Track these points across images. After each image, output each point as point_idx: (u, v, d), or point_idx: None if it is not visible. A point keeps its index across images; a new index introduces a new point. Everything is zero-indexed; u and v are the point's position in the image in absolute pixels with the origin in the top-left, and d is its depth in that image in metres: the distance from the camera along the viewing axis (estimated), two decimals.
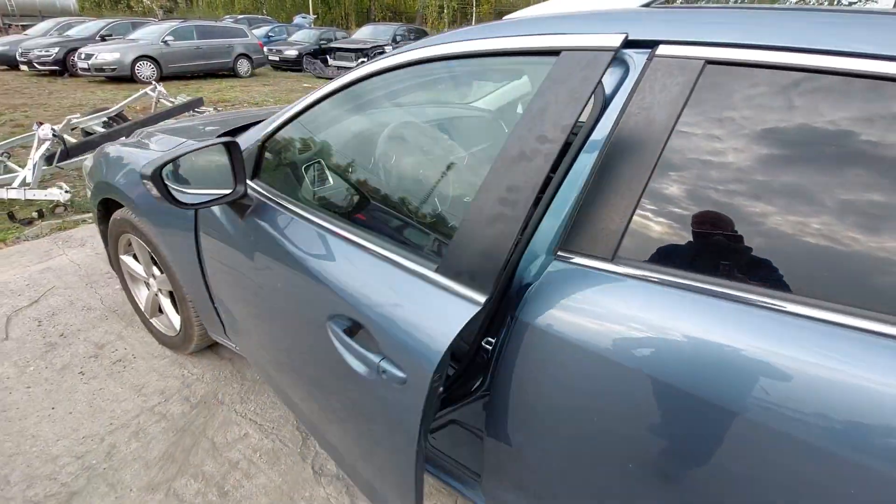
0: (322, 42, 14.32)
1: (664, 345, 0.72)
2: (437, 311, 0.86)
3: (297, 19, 18.81)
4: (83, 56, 9.74)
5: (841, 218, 0.65)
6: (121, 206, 1.96)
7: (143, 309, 2.19)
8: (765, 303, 0.68)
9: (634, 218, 0.77)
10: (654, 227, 0.77)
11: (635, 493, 0.81)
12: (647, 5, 0.93)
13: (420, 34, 15.19)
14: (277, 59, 13.60)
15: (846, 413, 0.60)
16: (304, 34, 14.87)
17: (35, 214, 3.68)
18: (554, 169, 0.82)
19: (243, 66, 11.98)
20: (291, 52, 13.63)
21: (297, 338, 1.25)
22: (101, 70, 9.70)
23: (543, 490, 0.96)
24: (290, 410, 1.57)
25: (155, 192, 1.15)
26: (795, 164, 0.69)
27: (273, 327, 1.37)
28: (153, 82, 6.07)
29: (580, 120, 0.80)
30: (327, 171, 1.41)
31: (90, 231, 3.31)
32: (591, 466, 0.85)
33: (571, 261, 0.83)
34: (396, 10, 28.66)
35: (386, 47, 13.12)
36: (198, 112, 5.58)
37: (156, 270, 2.00)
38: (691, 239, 0.75)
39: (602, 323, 0.77)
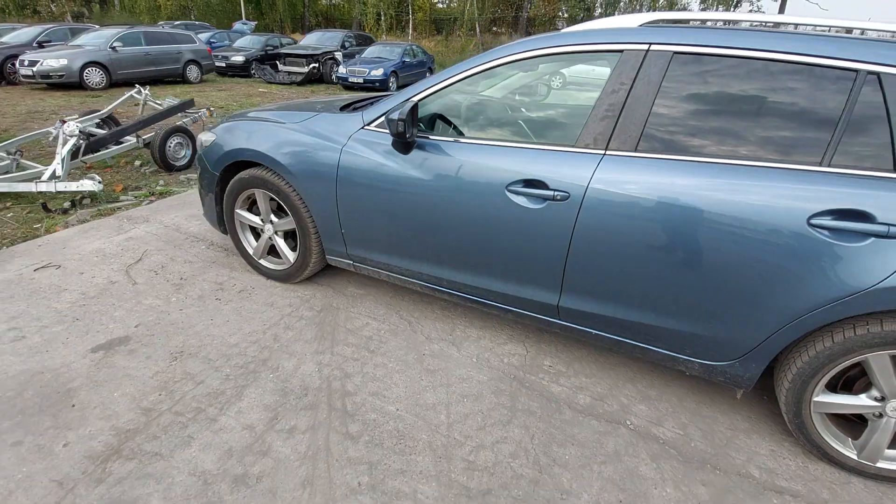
0: (268, 48, 14.51)
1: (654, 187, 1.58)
2: (574, 162, 1.72)
3: (237, 25, 18.68)
4: (26, 63, 9.42)
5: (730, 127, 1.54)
6: (242, 169, 2.57)
7: (251, 252, 2.78)
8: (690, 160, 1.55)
9: (647, 123, 1.63)
10: (651, 130, 1.64)
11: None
12: (643, 25, 1.79)
13: (365, 40, 15.78)
14: (224, 65, 13.63)
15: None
16: (248, 40, 14.95)
17: (67, 205, 4.00)
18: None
19: (193, 72, 11.98)
20: (238, 58, 13.71)
21: (461, 217, 1.99)
22: (48, 77, 9.44)
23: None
24: (411, 286, 2.29)
25: (400, 129, 1.88)
26: (710, 101, 1.57)
27: (417, 224, 2.09)
28: (137, 86, 6.29)
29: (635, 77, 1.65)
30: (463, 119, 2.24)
31: (144, 211, 3.73)
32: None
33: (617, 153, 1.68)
34: (331, 16, 28.92)
35: (336, 53, 13.62)
36: (189, 112, 5.93)
37: (273, 217, 2.61)
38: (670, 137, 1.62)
39: (627, 183, 1.62)
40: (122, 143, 5.00)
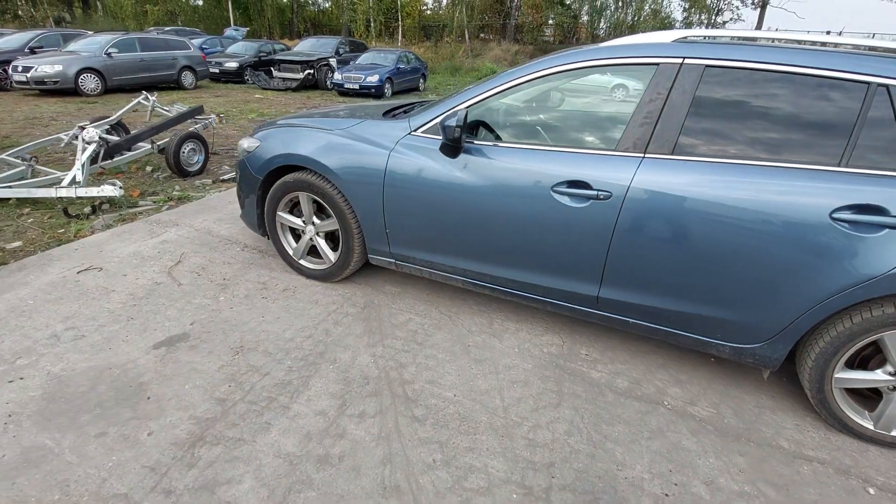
0: (262, 54, 14.54)
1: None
2: (615, 165, 1.89)
3: (229, 32, 18.63)
4: (20, 69, 9.33)
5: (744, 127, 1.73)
6: (283, 174, 2.69)
7: (290, 253, 2.89)
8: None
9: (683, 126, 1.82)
10: (686, 135, 1.82)
11: None
12: (675, 41, 1.98)
13: (359, 47, 15.91)
14: (217, 71, 13.62)
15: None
16: (241, 46, 14.96)
17: (88, 209, 4.05)
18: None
19: (188, 79, 11.97)
20: (232, 64, 13.72)
21: (506, 216, 2.14)
22: (42, 83, 9.36)
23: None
24: (452, 282, 2.44)
25: (456, 134, 2.03)
26: (736, 106, 1.76)
27: (463, 223, 2.24)
28: (144, 93, 6.33)
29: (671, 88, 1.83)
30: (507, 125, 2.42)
31: (171, 216, 3.81)
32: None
33: (655, 156, 1.86)
34: (319, 22, 28.99)
35: (330, 60, 13.72)
36: (200, 119, 6.00)
37: (315, 219, 2.73)
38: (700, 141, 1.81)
39: (666, 183, 1.81)
40: (136, 148, 5.05)
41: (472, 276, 2.41)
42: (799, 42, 2.02)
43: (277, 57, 13.58)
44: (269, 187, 2.82)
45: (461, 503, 1.55)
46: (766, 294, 1.83)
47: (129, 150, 5.01)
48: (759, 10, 21.20)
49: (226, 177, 5.26)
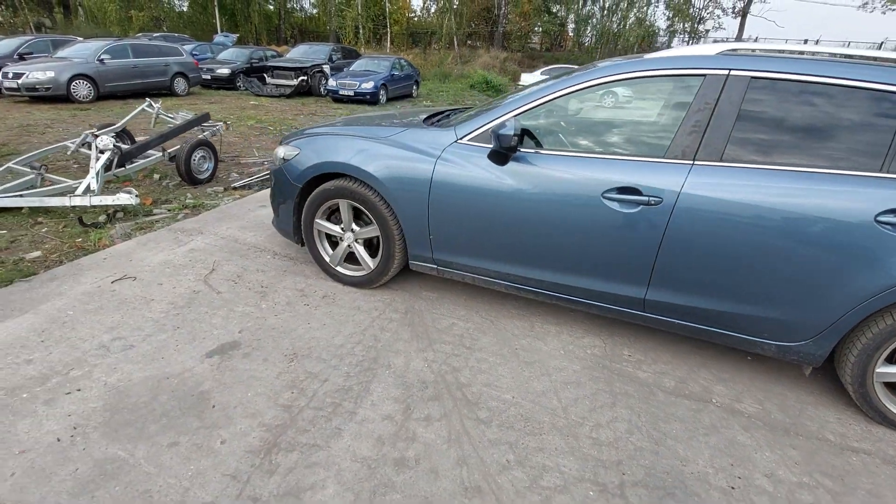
0: (253, 61, 14.46)
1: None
2: (665, 171, 1.98)
3: (218, 38, 18.43)
4: (10, 75, 9.12)
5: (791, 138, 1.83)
6: (321, 182, 2.71)
7: (328, 260, 2.91)
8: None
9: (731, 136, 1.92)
10: (733, 142, 1.92)
11: None
12: (721, 53, 2.07)
13: (351, 54, 15.94)
14: (209, 77, 13.50)
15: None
16: (232, 53, 14.85)
17: (102, 219, 4.00)
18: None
19: (180, 85, 11.84)
20: (224, 71, 13.62)
21: (556, 221, 2.21)
22: (34, 89, 9.16)
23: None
24: (494, 287, 2.49)
25: (513, 143, 2.10)
26: (781, 118, 1.86)
27: (510, 228, 2.29)
28: (149, 99, 6.26)
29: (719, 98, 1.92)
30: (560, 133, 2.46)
31: (194, 224, 3.78)
32: None
33: (704, 163, 1.94)
34: (307, 29, 28.92)
35: (324, 66, 13.72)
36: (207, 126, 5.96)
37: (354, 226, 2.76)
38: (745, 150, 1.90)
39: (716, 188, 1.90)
40: (147, 156, 5.00)
41: (516, 280, 2.46)
42: (835, 55, 2.13)
43: (270, 63, 13.52)
44: (306, 195, 2.84)
45: (542, 501, 1.59)
46: (813, 293, 1.92)
47: (139, 157, 4.96)
48: (739, 18, 21.89)
49: (238, 184, 5.24)
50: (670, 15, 22.57)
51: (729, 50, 2.12)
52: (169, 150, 5.10)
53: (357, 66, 13.97)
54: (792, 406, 2.14)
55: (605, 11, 22.99)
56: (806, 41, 22.57)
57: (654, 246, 2.10)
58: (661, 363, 2.37)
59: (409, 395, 2.04)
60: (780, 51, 2.23)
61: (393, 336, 2.45)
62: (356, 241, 2.80)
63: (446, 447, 1.78)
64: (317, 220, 2.84)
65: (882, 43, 20.08)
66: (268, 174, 5.60)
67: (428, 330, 2.52)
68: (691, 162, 2.02)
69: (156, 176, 5.41)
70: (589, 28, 23.85)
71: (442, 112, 3.17)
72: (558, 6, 23.39)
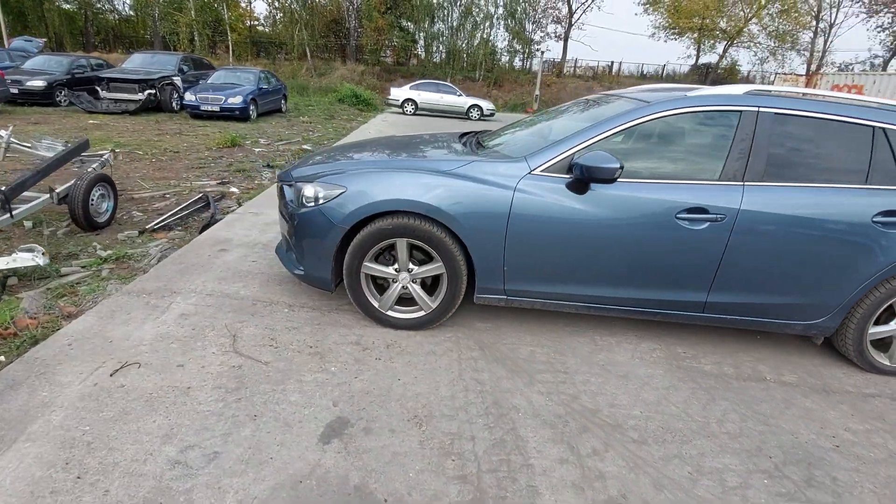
0: (76, 71, 11.93)
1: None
2: (724, 192, 2.29)
3: (18, 42, 14.37)
4: None
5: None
6: (368, 222, 2.49)
7: (376, 305, 2.65)
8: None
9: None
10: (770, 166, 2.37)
11: None
12: (747, 93, 2.50)
13: (202, 64, 14.21)
14: (16, 91, 10.71)
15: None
16: (44, 61, 11.97)
17: None
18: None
19: None
20: (37, 83, 10.93)
21: (632, 241, 2.40)
22: None
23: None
24: (563, 309, 2.60)
25: (616, 175, 2.25)
26: (789, 145, 2.38)
27: (589, 252, 2.42)
28: None
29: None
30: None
31: (155, 283, 3.05)
32: None
33: (751, 183, 2.35)
34: (122, 34, 24.61)
35: (174, 79, 12.00)
36: (89, 157, 4.82)
37: (411, 265, 2.58)
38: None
39: (763, 204, 2.33)
40: (27, 199, 3.83)
41: (588, 300, 2.59)
42: (827, 97, 2.70)
43: (103, 75, 11.33)
44: (350, 238, 2.55)
45: (741, 502, 1.75)
46: (832, 280, 2.45)
47: (7, 204, 3.77)
48: (562, 42, 25.52)
49: (153, 226, 4.34)
50: (510, 38, 25.20)
51: (754, 90, 2.56)
52: (57, 191, 3.98)
53: (216, 78, 12.54)
54: (813, 371, 2.67)
55: (452, 31, 24.54)
56: (612, 63, 27.38)
57: (717, 256, 2.43)
58: (710, 355, 2.74)
59: (560, 432, 2.01)
60: (793, 92, 2.77)
61: (492, 376, 2.36)
62: (413, 281, 2.62)
63: (634, 476, 1.82)
64: (365, 263, 2.57)
65: (665, 65, 25.43)
66: (186, 212, 4.76)
67: (517, 363, 2.49)
68: (742, 183, 2.40)
69: (27, 224, 4.20)
70: (440, 45, 25.17)
71: (473, 133, 3.22)
72: (409, 23, 24.18)
